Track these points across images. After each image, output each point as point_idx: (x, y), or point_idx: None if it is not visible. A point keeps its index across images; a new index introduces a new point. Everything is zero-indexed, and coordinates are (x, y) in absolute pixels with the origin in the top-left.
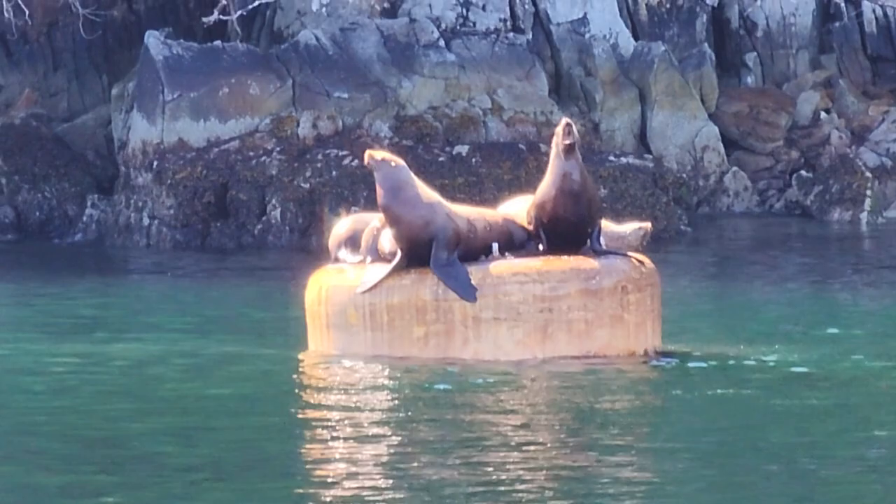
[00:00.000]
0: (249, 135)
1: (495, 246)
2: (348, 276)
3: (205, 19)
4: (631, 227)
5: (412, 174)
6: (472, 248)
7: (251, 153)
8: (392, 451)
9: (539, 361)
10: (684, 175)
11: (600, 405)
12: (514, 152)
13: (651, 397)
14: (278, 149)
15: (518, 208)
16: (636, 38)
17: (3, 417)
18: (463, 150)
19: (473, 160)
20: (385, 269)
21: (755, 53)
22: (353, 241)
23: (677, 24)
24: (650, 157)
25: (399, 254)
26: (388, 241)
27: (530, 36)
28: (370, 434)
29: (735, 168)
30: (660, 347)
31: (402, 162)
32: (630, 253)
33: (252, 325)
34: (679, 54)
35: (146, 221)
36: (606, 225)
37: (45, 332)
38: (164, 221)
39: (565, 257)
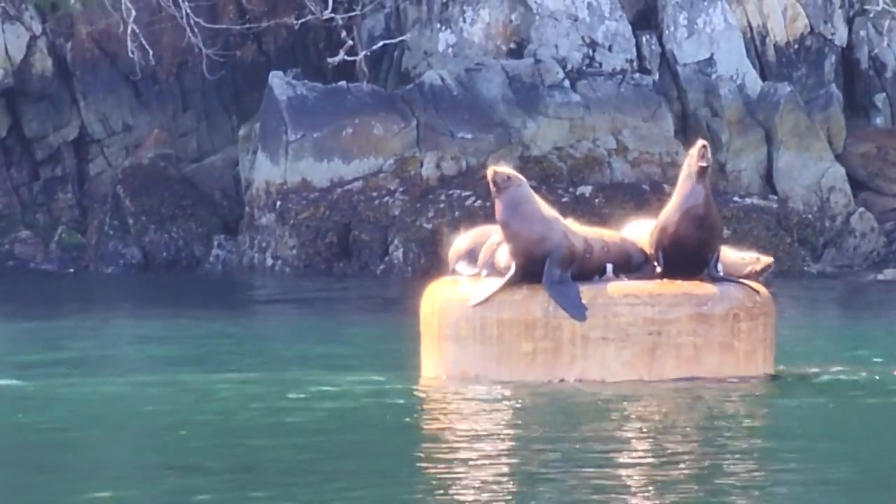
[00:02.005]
0: (373, 175)
1: (609, 267)
2: (462, 288)
3: (330, 60)
4: (749, 257)
5: (532, 192)
6: (588, 268)
7: (374, 193)
8: (509, 473)
9: (646, 384)
10: (810, 216)
11: (713, 425)
12: (637, 193)
13: (762, 419)
14: (401, 189)
15: (641, 231)
16: (764, 78)
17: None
18: (586, 190)
19: (596, 201)
20: (498, 283)
21: (884, 94)
22: (472, 255)
23: (805, 64)
24: (775, 197)
25: (513, 268)
26: (504, 255)
27: (657, 76)
28: (488, 457)
29: (862, 209)
30: (773, 377)
31: (524, 179)
32: (746, 281)
33: (368, 351)
34: (807, 95)
35: (269, 262)
36: (724, 251)
37: (171, 363)
38: (287, 262)
39: (679, 282)
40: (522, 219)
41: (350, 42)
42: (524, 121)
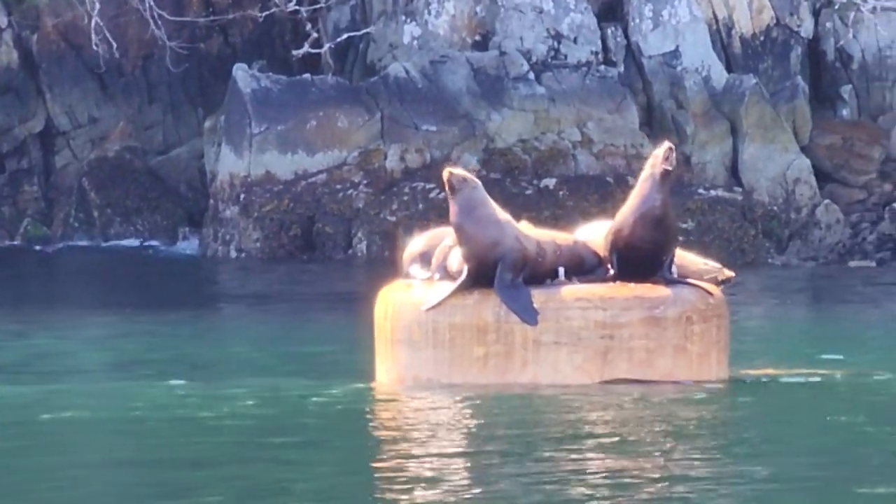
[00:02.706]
0: (337, 167)
1: (561, 270)
2: (416, 292)
3: (295, 52)
4: (712, 265)
5: (487, 195)
6: (540, 272)
7: (338, 186)
8: (459, 476)
9: (598, 387)
10: (775, 208)
11: (663, 428)
12: (601, 185)
13: (712, 422)
14: (365, 182)
15: (594, 233)
16: (730, 70)
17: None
18: (550, 183)
19: (560, 193)
20: (450, 287)
21: (850, 86)
22: (426, 258)
23: (771, 56)
24: (739, 189)
25: (465, 272)
26: (456, 259)
27: (622, 68)
28: (439, 459)
29: (827, 201)
30: (726, 379)
31: (479, 182)
32: (699, 283)
33: (323, 352)
34: (773, 87)
35: (233, 254)
36: (682, 255)
37: (115, 366)
38: (251, 254)
39: (631, 285)
40: (476, 222)
41: (315, 34)
42: (489, 113)
